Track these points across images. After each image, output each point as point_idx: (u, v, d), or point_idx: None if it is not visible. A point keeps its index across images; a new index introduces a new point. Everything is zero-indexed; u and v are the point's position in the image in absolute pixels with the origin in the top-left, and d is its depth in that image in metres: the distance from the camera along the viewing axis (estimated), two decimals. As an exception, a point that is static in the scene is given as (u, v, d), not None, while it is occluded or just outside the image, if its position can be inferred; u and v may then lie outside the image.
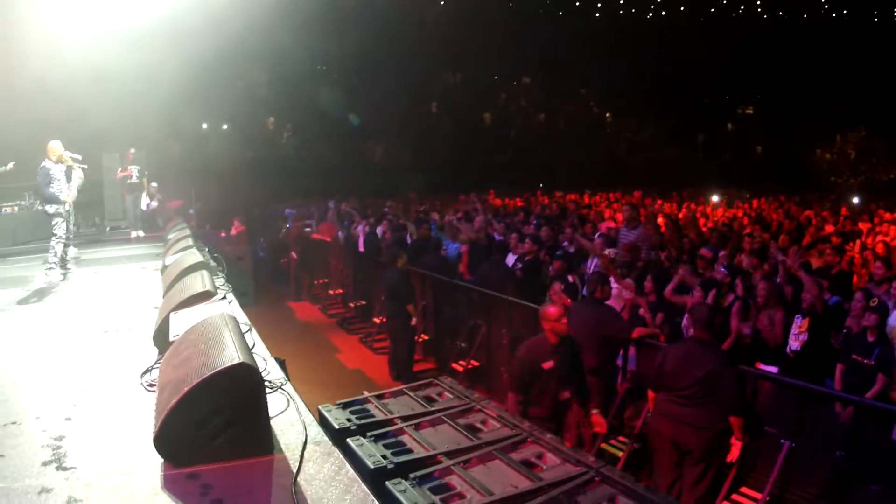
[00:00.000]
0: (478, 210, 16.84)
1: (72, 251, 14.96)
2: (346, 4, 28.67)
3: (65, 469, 3.91)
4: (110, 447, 4.20)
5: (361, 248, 16.55)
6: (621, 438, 8.42)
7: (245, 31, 24.35)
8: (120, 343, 6.80)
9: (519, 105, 48.16)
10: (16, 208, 20.08)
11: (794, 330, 8.12)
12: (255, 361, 3.95)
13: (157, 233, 17.30)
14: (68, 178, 11.57)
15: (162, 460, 3.89)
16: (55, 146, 11.35)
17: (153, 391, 4.95)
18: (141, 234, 17.29)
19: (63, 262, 11.57)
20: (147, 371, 5.41)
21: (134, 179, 17.36)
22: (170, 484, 3.72)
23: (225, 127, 31.73)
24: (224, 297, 5.65)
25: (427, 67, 37.22)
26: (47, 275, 10.99)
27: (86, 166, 11.88)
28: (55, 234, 11.25)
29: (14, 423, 4.70)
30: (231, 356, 3.74)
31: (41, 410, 4.87)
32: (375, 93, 32.05)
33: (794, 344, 8.06)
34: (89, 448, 4.20)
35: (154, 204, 18.71)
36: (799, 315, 8.17)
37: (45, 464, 3.97)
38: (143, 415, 4.60)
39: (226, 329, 4.21)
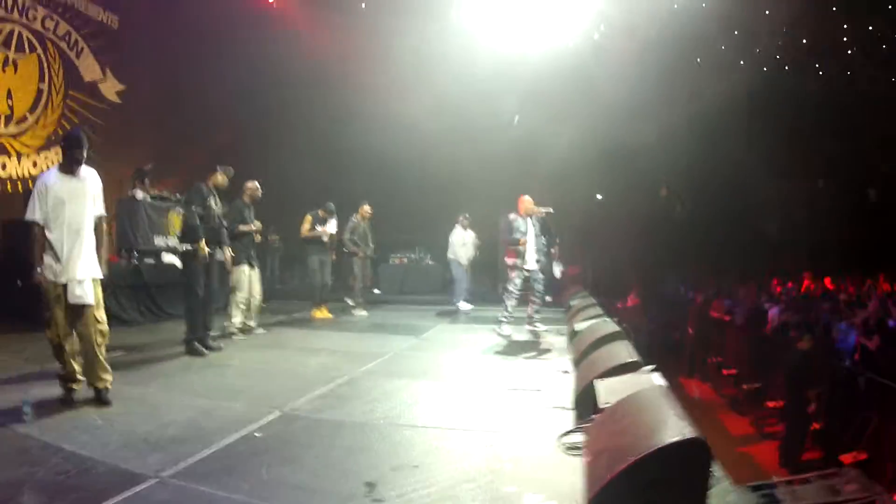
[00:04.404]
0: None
1: (465, 306, 15.70)
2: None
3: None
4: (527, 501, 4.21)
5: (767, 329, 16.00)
6: None
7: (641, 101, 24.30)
8: (529, 402, 6.94)
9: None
10: (405, 260, 21.64)
11: None
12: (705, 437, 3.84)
13: (557, 298, 17.69)
14: (541, 232, 11.73)
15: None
16: (525, 201, 11.58)
17: (575, 455, 5.00)
18: (548, 298, 17.75)
19: (531, 321, 11.82)
20: (566, 433, 5.47)
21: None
22: (595, 552, 3.63)
23: (606, 196, 31.84)
24: (653, 369, 5.61)
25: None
26: (498, 328, 11.32)
27: (551, 210, 12.14)
28: (507, 289, 11.51)
29: (416, 466, 4.91)
30: (681, 430, 3.65)
31: (449, 464, 5.00)
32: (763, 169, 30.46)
33: None
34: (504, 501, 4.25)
35: (559, 270, 19.18)
36: None
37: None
38: (561, 476, 4.62)
39: (667, 402, 4.15)
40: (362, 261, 15.19)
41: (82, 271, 6.31)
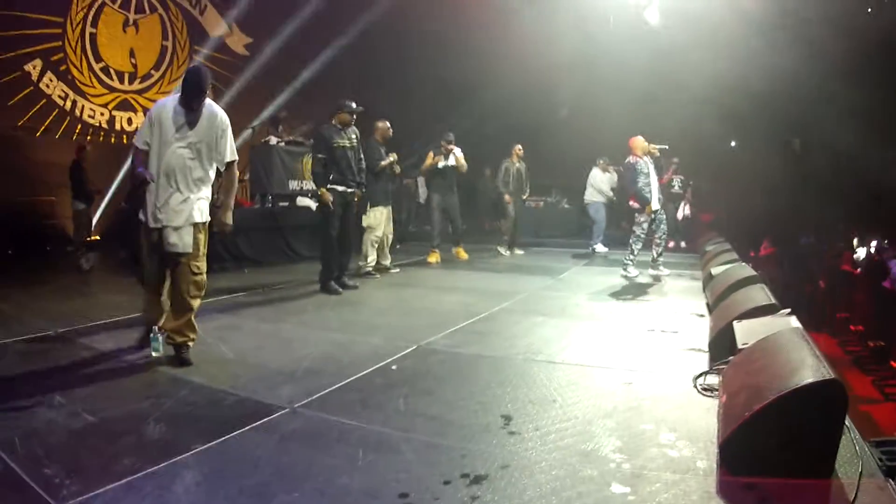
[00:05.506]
0: None
1: (601, 249, 15.62)
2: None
3: (608, 460, 3.93)
4: (661, 445, 4.17)
5: (887, 284, 15.46)
6: None
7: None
8: (665, 343, 6.95)
9: None
10: (541, 203, 21.48)
11: None
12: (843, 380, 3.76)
13: (691, 244, 17.54)
14: (658, 172, 11.82)
15: (715, 465, 3.84)
16: (639, 141, 11.66)
17: (709, 396, 5.02)
18: (682, 244, 17.67)
19: (655, 264, 11.97)
20: (702, 374, 5.46)
21: (676, 188, 17.69)
22: (726, 490, 3.62)
23: (740, 144, 30.89)
24: (790, 313, 5.54)
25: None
26: (624, 270, 11.72)
27: (666, 147, 12.03)
28: (634, 232, 11.71)
29: (554, 400, 4.97)
30: (820, 371, 3.61)
31: (586, 400, 5.02)
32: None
33: None
34: (638, 441, 4.21)
35: (688, 214, 18.92)
36: None
37: (585, 454, 4.01)
38: (696, 416, 4.64)
39: (805, 344, 4.09)
40: (511, 203, 15.27)
41: (179, 218, 5.78)
